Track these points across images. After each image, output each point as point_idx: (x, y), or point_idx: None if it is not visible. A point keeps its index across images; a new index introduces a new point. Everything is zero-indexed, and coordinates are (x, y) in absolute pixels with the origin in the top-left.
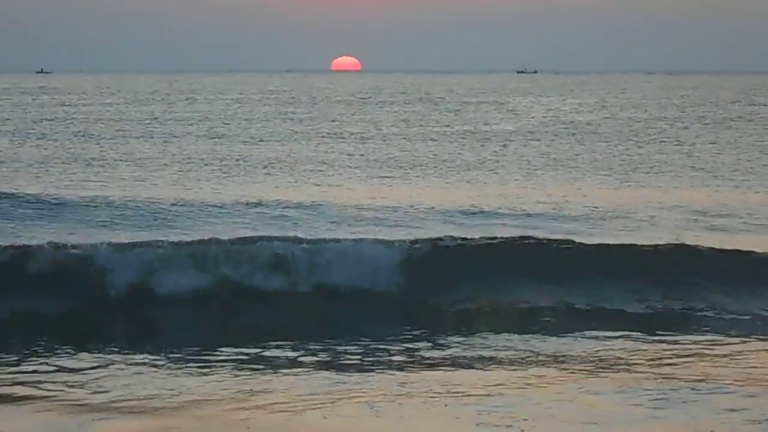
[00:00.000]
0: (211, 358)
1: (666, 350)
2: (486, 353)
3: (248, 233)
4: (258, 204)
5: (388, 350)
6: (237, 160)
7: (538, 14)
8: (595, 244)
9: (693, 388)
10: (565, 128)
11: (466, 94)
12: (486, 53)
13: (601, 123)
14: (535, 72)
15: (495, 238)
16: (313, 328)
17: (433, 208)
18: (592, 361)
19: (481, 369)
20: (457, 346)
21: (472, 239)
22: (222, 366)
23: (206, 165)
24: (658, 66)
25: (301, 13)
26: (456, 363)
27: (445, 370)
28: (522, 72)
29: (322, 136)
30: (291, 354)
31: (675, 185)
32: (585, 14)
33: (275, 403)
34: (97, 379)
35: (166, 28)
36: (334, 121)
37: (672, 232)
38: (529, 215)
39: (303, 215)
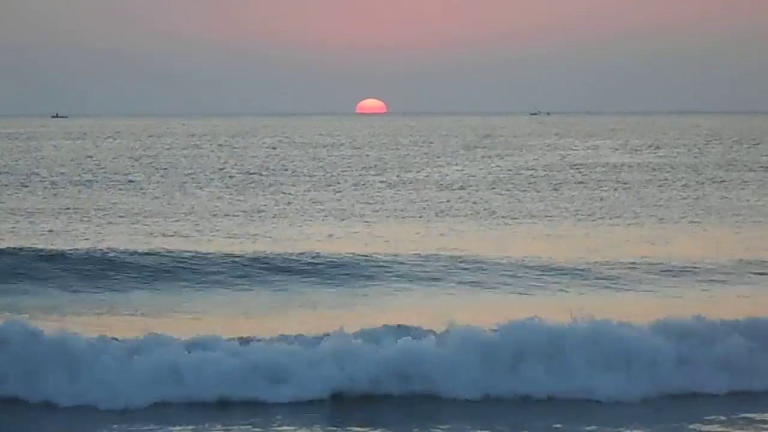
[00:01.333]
0: None
1: None
2: None
3: None
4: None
5: None
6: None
7: (549, 56)
8: None
9: None
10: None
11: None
12: (501, 95)
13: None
14: (548, 114)
15: None
16: None
17: None
18: None
19: None
20: None
21: None
22: None
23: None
24: (659, 106)
25: (324, 56)
26: None
27: None
28: (535, 114)
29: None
30: None
31: None
32: (594, 55)
33: None
34: None
35: (187, 72)
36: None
37: None
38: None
39: None
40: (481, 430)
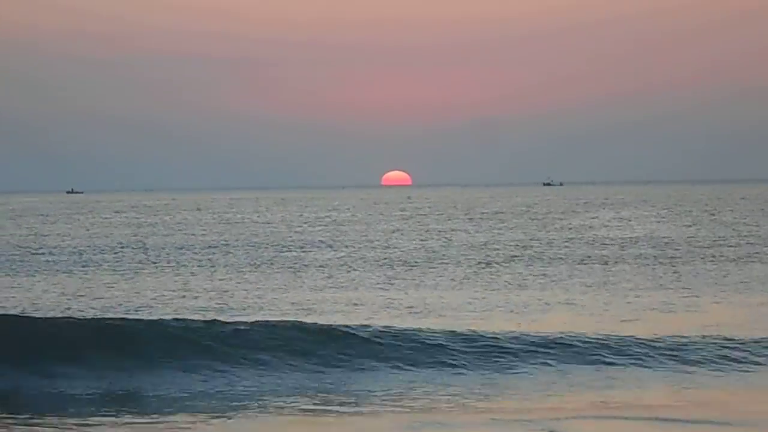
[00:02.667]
0: None
1: None
2: None
3: None
4: None
5: None
6: None
7: (561, 127)
8: None
9: None
10: None
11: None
12: (513, 165)
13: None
14: (561, 184)
15: None
16: None
17: None
18: None
19: None
20: None
21: None
22: None
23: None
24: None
25: (348, 128)
26: None
27: None
28: (548, 184)
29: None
30: None
31: None
32: (605, 126)
33: None
34: None
35: (203, 144)
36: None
37: None
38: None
39: None
40: None
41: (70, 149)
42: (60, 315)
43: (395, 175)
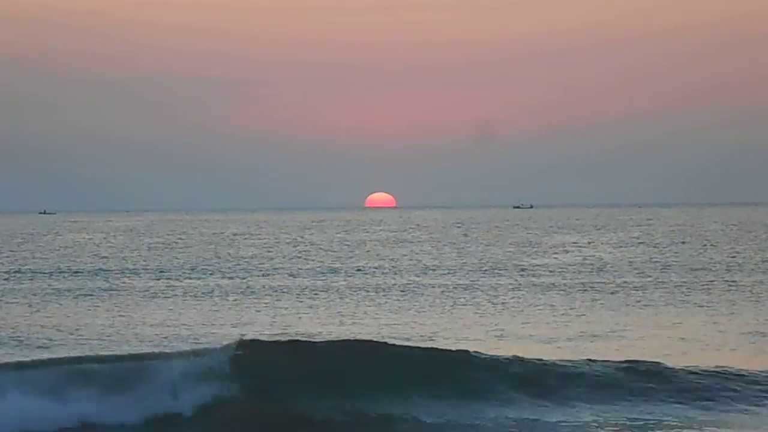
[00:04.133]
0: None
1: None
2: None
3: None
4: None
5: None
6: None
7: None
8: None
9: None
10: None
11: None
12: (487, 188)
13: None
14: (531, 207)
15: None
16: None
17: None
18: None
19: None
20: None
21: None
22: None
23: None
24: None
25: (331, 149)
26: None
27: None
28: (518, 207)
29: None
30: None
31: None
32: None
33: None
34: None
35: (177, 164)
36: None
37: None
38: None
39: None
40: None
41: (38, 168)
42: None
43: (379, 197)
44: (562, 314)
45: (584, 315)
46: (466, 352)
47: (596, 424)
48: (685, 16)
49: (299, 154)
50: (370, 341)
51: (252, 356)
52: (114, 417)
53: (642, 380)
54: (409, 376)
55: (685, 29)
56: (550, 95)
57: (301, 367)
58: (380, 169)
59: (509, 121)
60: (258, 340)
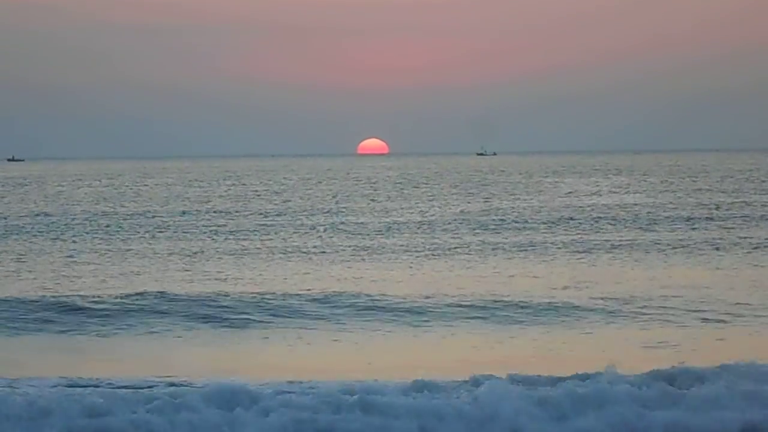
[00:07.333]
0: None
1: None
2: None
3: None
4: None
5: None
6: None
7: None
8: None
9: None
10: None
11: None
12: (448, 134)
13: None
14: (495, 154)
15: None
16: None
17: None
18: None
19: None
20: None
21: None
22: None
23: None
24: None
25: (322, 95)
26: None
27: None
28: (482, 154)
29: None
30: None
31: None
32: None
33: None
34: None
35: (156, 113)
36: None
37: None
38: None
39: None
40: None
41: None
42: None
43: (371, 143)
44: None
45: None
46: None
47: None
48: None
49: (289, 101)
50: None
51: None
52: None
53: None
54: None
55: None
56: (509, 41)
57: None
58: (371, 114)
59: (470, 66)
60: None
